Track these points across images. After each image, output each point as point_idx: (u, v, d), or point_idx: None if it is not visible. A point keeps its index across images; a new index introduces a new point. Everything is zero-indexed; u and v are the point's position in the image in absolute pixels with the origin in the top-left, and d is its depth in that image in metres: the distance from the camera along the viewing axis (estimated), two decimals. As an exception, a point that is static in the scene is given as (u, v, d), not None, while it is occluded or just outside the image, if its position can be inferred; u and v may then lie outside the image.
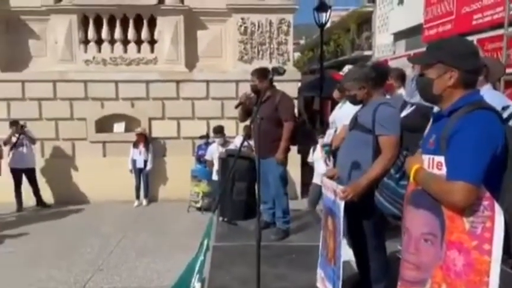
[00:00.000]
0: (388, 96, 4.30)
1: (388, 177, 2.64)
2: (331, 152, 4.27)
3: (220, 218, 5.36)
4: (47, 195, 8.89)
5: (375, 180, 2.82)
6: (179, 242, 6.15)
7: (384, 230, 3.23)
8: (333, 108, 6.33)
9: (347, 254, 3.29)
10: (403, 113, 4.08)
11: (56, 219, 7.90)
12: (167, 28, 8.99)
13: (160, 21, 9.03)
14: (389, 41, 17.72)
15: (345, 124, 3.80)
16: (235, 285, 3.64)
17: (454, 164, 1.80)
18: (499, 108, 1.96)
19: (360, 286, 3.28)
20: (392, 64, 10.06)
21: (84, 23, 9.01)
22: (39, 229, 7.28)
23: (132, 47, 9.11)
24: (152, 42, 9.14)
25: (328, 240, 3.10)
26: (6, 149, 8.33)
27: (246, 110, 4.70)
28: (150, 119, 9.12)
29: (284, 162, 4.64)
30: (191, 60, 9.21)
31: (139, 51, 9.12)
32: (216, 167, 7.56)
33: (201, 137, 8.83)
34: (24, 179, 8.51)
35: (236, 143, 7.54)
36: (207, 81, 9.10)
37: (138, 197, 8.91)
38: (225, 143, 7.92)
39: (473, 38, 9.01)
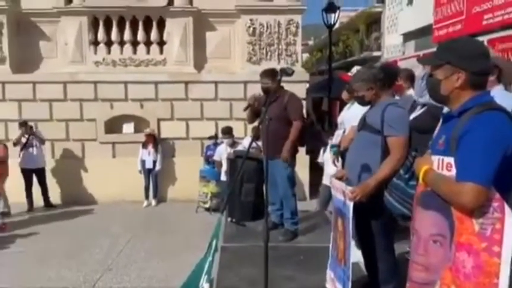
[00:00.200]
0: (397, 97, 4.29)
1: (397, 177, 2.64)
2: (340, 153, 4.26)
3: (229, 219, 5.37)
4: (57, 196, 8.98)
5: (383, 181, 2.82)
6: (188, 242, 6.17)
7: (392, 231, 3.23)
8: (341, 109, 6.31)
9: (355, 255, 3.28)
10: (414, 114, 4.07)
11: (65, 219, 7.97)
12: (176, 29, 9.03)
13: (169, 22, 9.08)
14: (399, 41, 17.62)
15: (353, 125, 3.79)
16: (243, 286, 3.64)
17: (464, 165, 1.79)
18: (509, 109, 1.94)
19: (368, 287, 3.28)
20: (401, 65, 10.00)
21: (94, 24, 9.09)
22: (49, 229, 7.35)
23: (141, 48, 9.16)
24: (161, 43, 9.18)
25: (338, 241, 3.10)
26: (16, 150, 8.42)
27: (255, 112, 4.71)
28: (159, 120, 9.17)
29: (291, 162, 4.63)
30: (200, 62, 9.24)
31: (148, 52, 9.17)
32: (224, 167, 7.58)
33: (210, 138, 8.86)
34: (35, 179, 8.60)
35: (244, 144, 7.54)
36: (216, 82, 9.13)
37: (147, 197, 8.96)
38: (233, 144, 7.93)
39: (484, 39, 8.93)
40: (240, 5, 9.02)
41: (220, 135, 8.46)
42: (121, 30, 9.07)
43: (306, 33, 19.51)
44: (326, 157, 6.75)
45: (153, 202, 8.96)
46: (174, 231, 7.10)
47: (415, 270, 2.02)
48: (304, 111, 6.10)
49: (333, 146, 4.89)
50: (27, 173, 8.48)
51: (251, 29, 9.05)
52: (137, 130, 9.16)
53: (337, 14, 13.11)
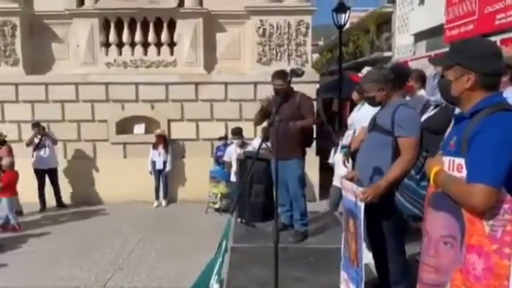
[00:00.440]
0: (408, 98, 4.27)
1: (408, 178, 2.63)
2: (350, 154, 4.25)
3: (239, 220, 5.38)
4: (69, 196, 9.07)
5: (394, 182, 2.81)
6: (198, 242, 6.19)
7: (403, 232, 3.21)
8: (351, 110, 6.29)
9: (366, 257, 3.27)
10: (426, 115, 4.04)
11: (77, 219, 8.05)
12: (186, 31, 9.08)
13: (179, 24, 9.13)
14: (410, 41, 17.50)
15: (363, 126, 3.78)
16: (253, 287, 3.65)
17: (475, 166, 1.78)
18: (521, 110, 1.92)
19: (379, 289, 3.27)
20: (412, 65, 9.94)
21: (105, 26, 9.17)
22: (61, 229, 7.43)
23: (152, 49, 9.22)
24: (172, 44, 9.23)
25: (350, 242, 3.10)
26: (29, 150, 8.53)
27: (265, 113, 4.71)
28: (169, 121, 9.21)
29: (301, 163, 4.63)
30: (210, 63, 9.27)
31: (159, 53, 9.23)
32: (234, 168, 7.59)
33: (220, 139, 8.88)
34: (47, 180, 8.71)
35: (254, 144, 7.55)
36: (226, 83, 9.15)
37: (157, 197, 9.00)
38: (243, 145, 7.94)
39: (496, 39, 8.85)
40: (250, 6, 9.04)
41: (230, 136, 8.48)
42: (132, 31, 9.14)
43: (316, 34, 19.41)
44: (337, 158, 6.75)
45: (164, 202, 9.00)
46: (184, 231, 7.13)
47: (425, 271, 2.01)
48: (315, 111, 6.09)
49: (343, 147, 4.88)
50: (39, 174, 8.58)
51: (261, 29, 9.05)
52: (148, 131, 9.21)
53: (347, 15, 13.05)
